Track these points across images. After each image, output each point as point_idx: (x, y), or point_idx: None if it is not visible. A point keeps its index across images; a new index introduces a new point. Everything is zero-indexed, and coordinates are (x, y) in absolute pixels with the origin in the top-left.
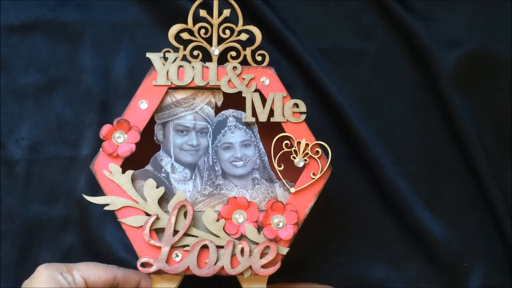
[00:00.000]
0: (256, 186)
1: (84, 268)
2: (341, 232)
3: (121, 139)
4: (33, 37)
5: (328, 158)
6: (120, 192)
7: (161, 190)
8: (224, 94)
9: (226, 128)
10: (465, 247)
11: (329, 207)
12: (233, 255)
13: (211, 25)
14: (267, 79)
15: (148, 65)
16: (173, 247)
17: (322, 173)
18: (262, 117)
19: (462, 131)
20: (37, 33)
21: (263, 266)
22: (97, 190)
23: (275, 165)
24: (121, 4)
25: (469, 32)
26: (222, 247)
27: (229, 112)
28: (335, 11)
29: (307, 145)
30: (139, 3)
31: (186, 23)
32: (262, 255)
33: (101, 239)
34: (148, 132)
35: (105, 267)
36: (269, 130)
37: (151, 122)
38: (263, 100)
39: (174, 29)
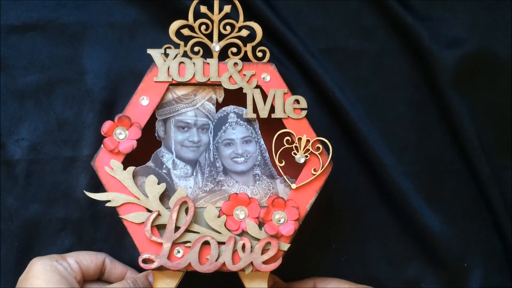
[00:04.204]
0: (257, 182)
1: (76, 255)
2: (341, 232)
3: (122, 136)
4: (33, 37)
5: (329, 154)
6: (121, 189)
7: (162, 186)
8: (225, 90)
9: (227, 124)
10: (465, 247)
11: (329, 207)
12: (234, 251)
13: (212, 21)
14: (268, 75)
15: (148, 65)
16: (175, 243)
17: (323, 169)
18: (263, 113)
19: (462, 131)
20: (37, 33)
21: (265, 262)
22: (97, 191)
23: (276, 161)
24: (121, 4)
25: (469, 32)
26: (223, 243)
27: (230, 108)
28: (335, 11)
29: (308, 141)
30: (139, 3)
31: (187, 19)
32: (264, 251)
33: (101, 240)
34: (149, 129)
35: (95, 253)
36: (270, 126)
37: (152, 119)
38: (264, 96)
39: (174, 25)
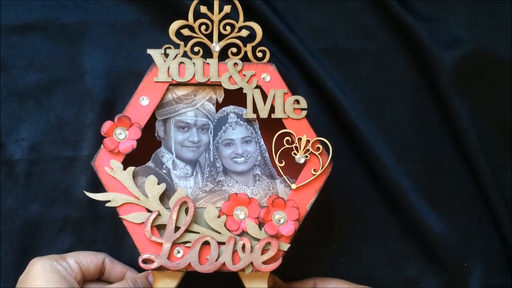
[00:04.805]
0: (257, 183)
1: (75, 255)
2: (341, 232)
3: (122, 136)
4: (33, 37)
5: (329, 154)
6: (121, 189)
7: (162, 186)
8: (225, 90)
9: (227, 125)
10: (465, 247)
11: (329, 207)
12: (234, 251)
13: (212, 22)
14: (268, 75)
15: (148, 65)
16: (175, 244)
17: (323, 169)
18: (263, 114)
19: (462, 131)
20: (37, 33)
21: (265, 262)
22: (97, 191)
23: (276, 161)
24: (121, 4)
25: (469, 32)
26: (223, 243)
27: (230, 108)
28: (335, 11)
29: (308, 141)
30: (138, 2)
31: (187, 19)
32: (264, 251)
33: (101, 240)
34: (149, 129)
35: (95, 253)
36: (270, 127)
37: (152, 119)
38: (264, 96)
39: (174, 25)
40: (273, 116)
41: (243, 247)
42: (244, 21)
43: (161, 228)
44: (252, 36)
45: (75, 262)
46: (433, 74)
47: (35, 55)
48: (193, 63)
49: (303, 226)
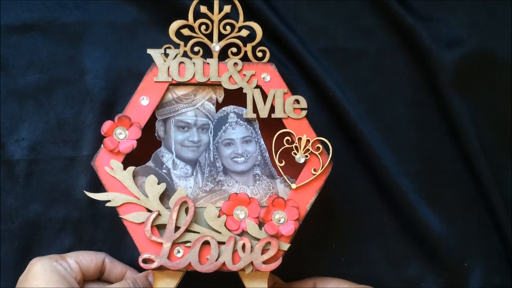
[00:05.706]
0: (257, 182)
1: (75, 254)
2: (341, 232)
3: (122, 136)
4: (33, 37)
5: (329, 154)
6: (121, 189)
7: (162, 186)
8: (225, 90)
9: (227, 124)
10: (465, 247)
11: (329, 207)
12: (234, 251)
13: (212, 21)
14: (268, 75)
15: (148, 65)
16: (175, 243)
17: (323, 169)
18: (263, 113)
19: (462, 131)
20: (37, 33)
21: (265, 262)
22: (97, 191)
23: (276, 161)
24: (121, 4)
25: (469, 32)
26: (223, 243)
27: (230, 108)
28: (335, 11)
29: (308, 141)
30: (139, 2)
31: (187, 19)
32: (264, 251)
33: (101, 240)
34: (149, 129)
35: (95, 253)
36: (270, 126)
37: (152, 119)
38: (264, 96)
39: (174, 25)
40: (273, 116)
41: (243, 246)
42: (244, 21)
43: (161, 228)
44: (252, 36)
45: (75, 262)
46: (433, 74)
47: (35, 55)
48: (193, 63)
49: (303, 226)
